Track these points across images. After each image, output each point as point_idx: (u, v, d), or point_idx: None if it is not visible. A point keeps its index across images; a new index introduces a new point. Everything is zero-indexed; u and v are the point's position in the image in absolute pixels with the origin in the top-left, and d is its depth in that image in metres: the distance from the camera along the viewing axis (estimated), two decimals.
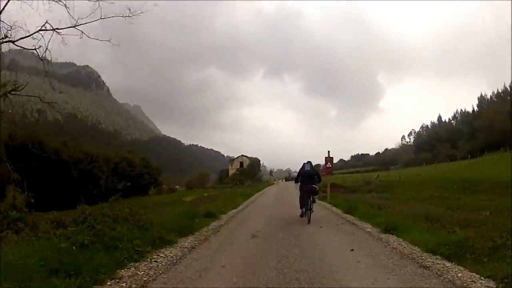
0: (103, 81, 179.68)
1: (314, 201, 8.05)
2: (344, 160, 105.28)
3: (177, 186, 56.72)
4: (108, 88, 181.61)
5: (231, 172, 67.48)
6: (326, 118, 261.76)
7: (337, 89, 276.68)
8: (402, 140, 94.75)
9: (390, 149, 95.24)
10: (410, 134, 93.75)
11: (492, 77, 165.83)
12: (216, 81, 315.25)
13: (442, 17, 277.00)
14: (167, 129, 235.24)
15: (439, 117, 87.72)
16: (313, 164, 9.03)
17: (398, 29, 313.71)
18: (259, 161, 75.81)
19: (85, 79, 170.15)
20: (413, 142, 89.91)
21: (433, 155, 54.57)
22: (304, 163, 8.82)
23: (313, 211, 7.92)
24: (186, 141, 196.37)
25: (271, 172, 75.83)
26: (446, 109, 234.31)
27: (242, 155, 72.75)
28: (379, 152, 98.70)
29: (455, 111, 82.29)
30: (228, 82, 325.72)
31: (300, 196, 8.50)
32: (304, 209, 8.12)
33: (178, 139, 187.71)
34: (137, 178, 33.76)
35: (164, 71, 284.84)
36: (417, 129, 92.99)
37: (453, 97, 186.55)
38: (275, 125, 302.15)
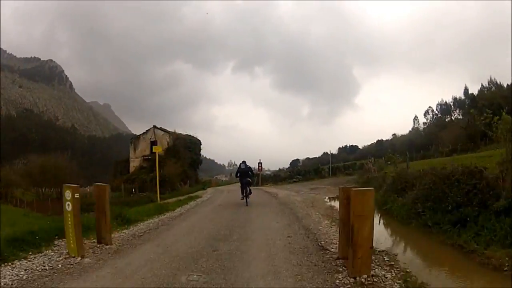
0: (66, 75, 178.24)
1: (250, 192, 10.89)
2: (329, 154, 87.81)
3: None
4: (71, 83, 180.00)
5: (133, 164, 35.12)
6: (299, 115, 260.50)
7: (310, 84, 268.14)
8: (414, 123, 75.61)
9: (401, 135, 73.02)
10: (426, 113, 72.84)
11: (474, 69, 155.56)
12: (184, 76, 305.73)
13: (422, 6, 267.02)
14: (136, 128, 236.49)
15: (466, 90, 67.25)
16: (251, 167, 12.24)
17: (375, 20, 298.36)
18: (199, 143, 37.18)
19: (48, 74, 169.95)
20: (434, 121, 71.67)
21: None
22: (240, 163, 11.31)
23: (249, 197, 10.74)
24: None
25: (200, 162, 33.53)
26: (428, 101, 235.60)
27: (156, 127, 35.74)
28: (381, 140, 77.54)
29: (489, 79, 67.37)
30: (197, 78, 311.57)
31: (241, 186, 11.08)
32: (243, 195, 10.79)
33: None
34: None
35: (133, 67, 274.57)
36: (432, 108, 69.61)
37: (434, 90, 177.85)
38: (246, 124, 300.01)
